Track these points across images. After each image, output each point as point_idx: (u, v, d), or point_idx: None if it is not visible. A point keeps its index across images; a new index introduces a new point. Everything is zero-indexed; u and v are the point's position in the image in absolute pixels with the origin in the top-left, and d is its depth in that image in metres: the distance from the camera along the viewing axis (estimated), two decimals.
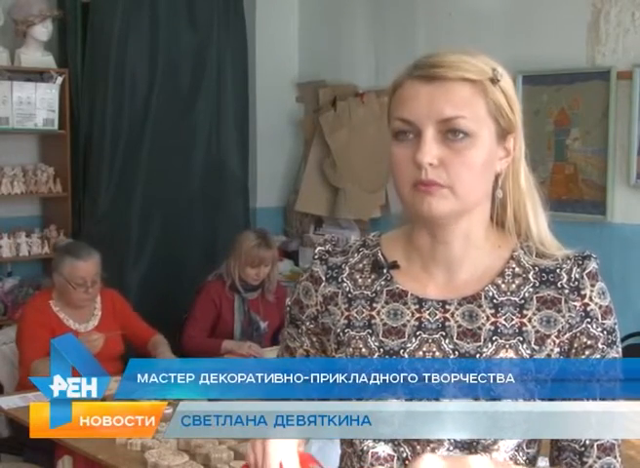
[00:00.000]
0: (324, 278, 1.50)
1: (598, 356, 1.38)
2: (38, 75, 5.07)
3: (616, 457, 1.40)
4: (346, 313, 1.46)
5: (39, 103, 4.99)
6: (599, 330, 1.38)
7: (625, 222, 4.64)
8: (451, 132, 1.32)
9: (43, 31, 5.01)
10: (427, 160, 1.31)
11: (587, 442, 1.39)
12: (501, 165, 1.39)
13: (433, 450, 1.36)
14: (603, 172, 4.67)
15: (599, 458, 1.39)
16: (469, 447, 1.36)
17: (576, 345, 1.38)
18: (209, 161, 5.74)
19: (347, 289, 1.48)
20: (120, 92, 5.33)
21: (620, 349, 1.41)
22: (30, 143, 5.33)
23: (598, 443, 1.39)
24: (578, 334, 1.37)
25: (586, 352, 1.38)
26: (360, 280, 1.48)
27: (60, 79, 5.08)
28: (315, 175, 5.92)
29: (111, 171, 5.33)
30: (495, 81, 1.34)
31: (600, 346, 1.38)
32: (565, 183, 4.76)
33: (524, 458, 1.40)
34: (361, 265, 1.49)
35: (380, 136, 5.28)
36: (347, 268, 1.49)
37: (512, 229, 1.42)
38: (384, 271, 1.46)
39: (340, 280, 1.49)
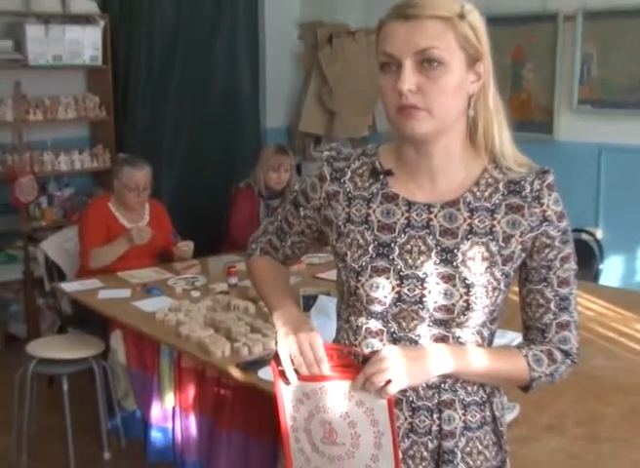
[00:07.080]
0: (329, 178, 1.48)
1: (555, 252, 1.39)
2: (85, 19, 4.99)
3: (571, 331, 1.42)
4: (347, 209, 1.45)
5: (86, 43, 4.93)
6: (555, 231, 1.38)
7: (568, 140, 4.66)
8: (426, 61, 1.28)
9: None
10: (407, 87, 1.29)
11: (548, 321, 1.42)
12: (473, 88, 1.35)
13: (415, 327, 1.37)
14: (551, 98, 4.66)
15: (557, 333, 1.42)
16: (446, 323, 1.37)
17: (537, 244, 1.38)
18: (227, 88, 5.72)
19: (348, 189, 1.45)
20: (151, 33, 5.30)
21: (572, 245, 1.42)
22: (79, 76, 5.26)
23: (557, 321, 1.41)
24: (538, 236, 1.38)
25: (546, 250, 1.39)
26: (359, 183, 1.45)
27: (102, 22, 5.00)
28: (315, 100, 5.86)
29: (145, 98, 5.32)
30: (462, 17, 1.30)
31: (557, 245, 1.39)
32: (520, 108, 4.73)
33: (487, 333, 1.42)
34: (361, 171, 1.46)
35: (368, 67, 5.22)
36: (349, 172, 1.46)
37: (482, 144, 1.39)
38: (381, 177, 1.44)
39: (342, 181, 1.46)
